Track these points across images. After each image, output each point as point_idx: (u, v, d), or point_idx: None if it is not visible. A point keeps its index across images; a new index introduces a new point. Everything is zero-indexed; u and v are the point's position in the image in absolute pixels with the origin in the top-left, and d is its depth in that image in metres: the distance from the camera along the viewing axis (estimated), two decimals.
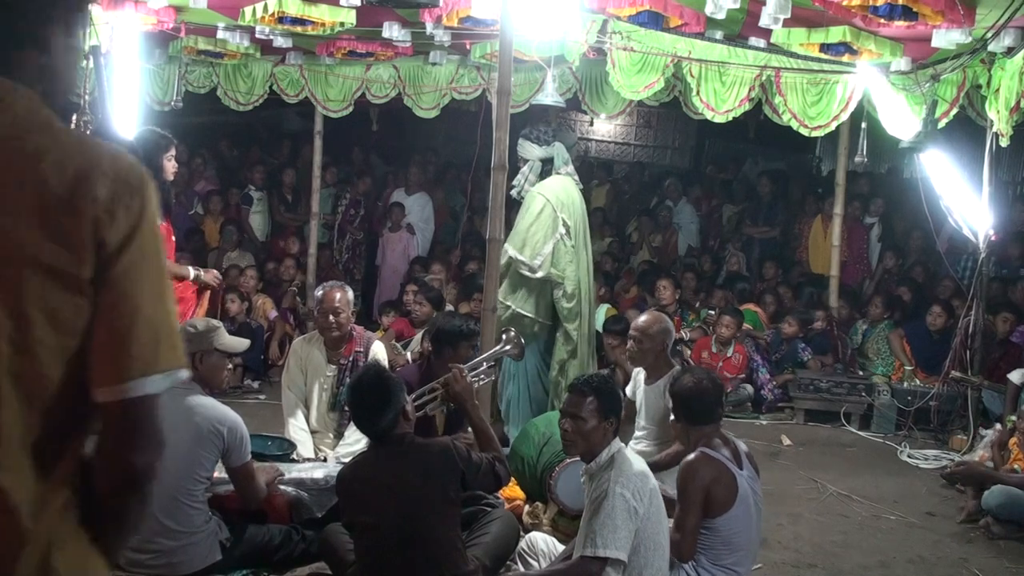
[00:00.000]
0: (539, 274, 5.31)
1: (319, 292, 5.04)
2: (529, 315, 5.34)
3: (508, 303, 5.37)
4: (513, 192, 5.65)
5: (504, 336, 4.66)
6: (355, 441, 4.77)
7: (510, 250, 5.33)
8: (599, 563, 3.19)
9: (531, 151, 5.59)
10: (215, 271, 5.13)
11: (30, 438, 1.30)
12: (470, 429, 3.88)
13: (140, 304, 1.33)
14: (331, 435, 4.95)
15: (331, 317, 4.91)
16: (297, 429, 4.90)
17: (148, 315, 1.33)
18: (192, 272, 4.82)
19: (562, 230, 5.32)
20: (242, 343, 4.27)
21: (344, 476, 3.49)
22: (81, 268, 1.28)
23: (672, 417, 3.89)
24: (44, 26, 1.38)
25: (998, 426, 5.53)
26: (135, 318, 1.32)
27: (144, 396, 1.32)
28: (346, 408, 4.93)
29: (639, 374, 4.90)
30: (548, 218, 5.34)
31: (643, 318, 4.82)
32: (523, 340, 4.78)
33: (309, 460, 4.72)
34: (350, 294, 5.08)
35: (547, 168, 5.56)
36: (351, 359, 4.95)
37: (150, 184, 1.37)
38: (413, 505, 3.28)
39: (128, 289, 1.32)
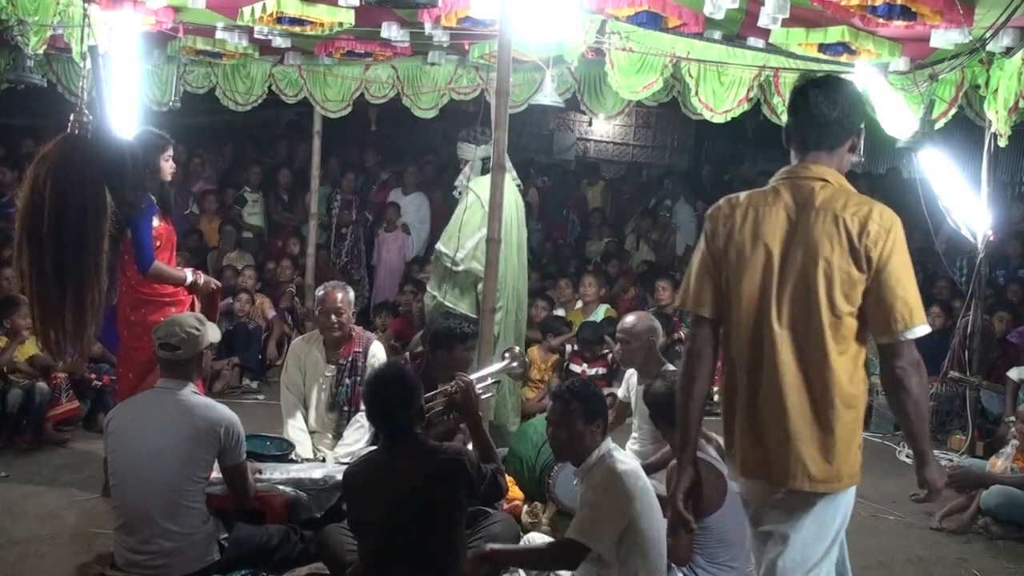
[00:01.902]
0: (460, 267, 5.40)
1: (320, 292, 5.03)
2: (450, 306, 5.37)
3: (434, 294, 5.54)
4: (455, 192, 5.76)
5: (507, 354, 4.67)
6: (354, 441, 4.77)
7: (439, 243, 5.55)
8: (579, 548, 3.24)
9: (469, 151, 5.66)
10: (214, 280, 5.07)
11: (845, 362, 2.48)
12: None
13: (896, 290, 2.44)
14: (330, 435, 4.94)
15: (333, 317, 4.91)
16: (296, 429, 4.90)
17: (902, 296, 2.44)
18: (189, 277, 4.80)
19: None
20: (218, 331, 4.28)
21: (352, 474, 3.46)
22: (860, 271, 2.45)
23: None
24: (851, 137, 2.61)
25: (1014, 442, 5.47)
26: (895, 298, 2.43)
27: (905, 340, 2.45)
28: (345, 408, 4.93)
29: (632, 376, 4.90)
30: (476, 213, 5.39)
31: (627, 319, 4.84)
32: (526, 357, 4.82)
33: (308, 460, 4.72)
34: (351, 294, 5.08)
35: (488, 166, 5.56)
36: (350, 359, 4.95)
37: (898, 222, 2.48)
38: (421, 507, 3.27)
39: (888, 282, 2.44)
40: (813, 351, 2.47)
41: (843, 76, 2.99)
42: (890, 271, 2.43)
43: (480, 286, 5.28)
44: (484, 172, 5.55)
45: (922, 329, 2.44)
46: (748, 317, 2.54)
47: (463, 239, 5.40)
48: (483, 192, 5.38)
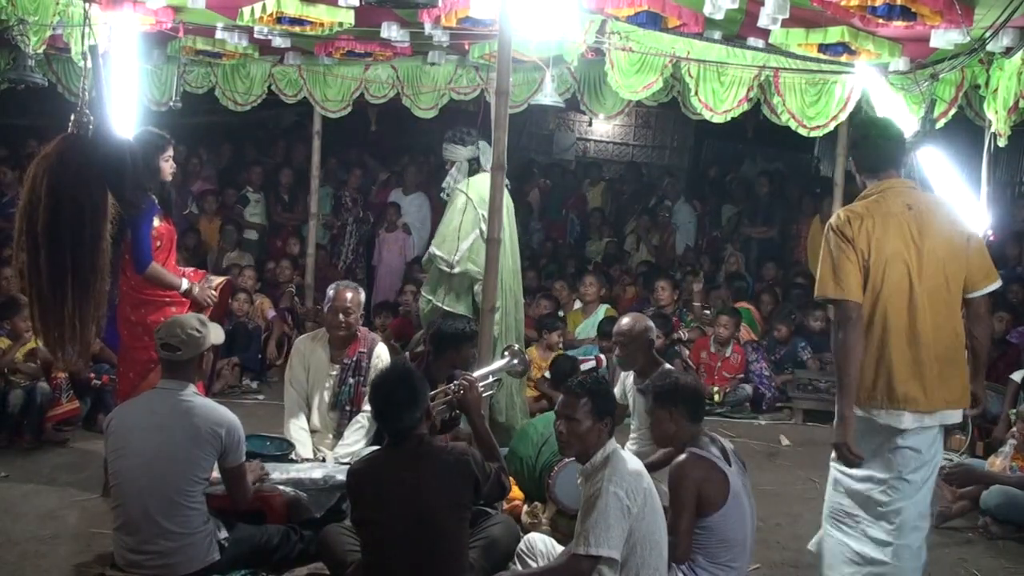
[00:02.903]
0: (456, 269, 5.37)
1: (331, 290, 5.02)
2: (448, 310, 5.35)
3: (430, 298, 5.48)
4: (443, 194, 5.74)
5: (507, 352, 4.66)
6: (354, 442, 4.77)
7: (431, 247, 5.48)
8: (590, 561, 3.22)
9: (457, 152, 5.63)
10: (210, 291, 5.00)
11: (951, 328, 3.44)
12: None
13: (983, 257, 3.46)
14: (331, 435, 4.94)
15: (341, 316, 4.91)
16: (297, 428, 4.90)
17: (986, 261, 3.43)
18: (184, 284, 4.79)
19: (482, 226, 5.26)
20: (221, 333, 4.27)
21: (356, 472, 3.46)
22: (966, 250, 3.44)
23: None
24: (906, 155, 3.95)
25: (1013, 441, 5.47)
26: (981, 262, 3.43)
27: (987, 293, 3.45)
28: (347, 408, 4.92)
29: (627, 377, 4.90)
30: (469, 214, 5.37)
31: (623, 321, 4.83)
32: (526, 355, 4.81)
33: (308, 460, 4.72)
34: (361, 295, 5.08)
35: (475, 167, 5.57)
36: (354, 359, 4.94)
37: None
38: (426, 507, 3.28)
39: (977, 253, 3.44)
40: (946, 314, 3.38)
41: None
42: (977, 245, 3.45)
43: (477, 287, 5.28)
44: (471, 173, 5.56)
45: (997, 284, 3.47)
46: (899, 295, 3.34)
47: (457, 240, 5.38)
48: (474, 193, 5.39)
